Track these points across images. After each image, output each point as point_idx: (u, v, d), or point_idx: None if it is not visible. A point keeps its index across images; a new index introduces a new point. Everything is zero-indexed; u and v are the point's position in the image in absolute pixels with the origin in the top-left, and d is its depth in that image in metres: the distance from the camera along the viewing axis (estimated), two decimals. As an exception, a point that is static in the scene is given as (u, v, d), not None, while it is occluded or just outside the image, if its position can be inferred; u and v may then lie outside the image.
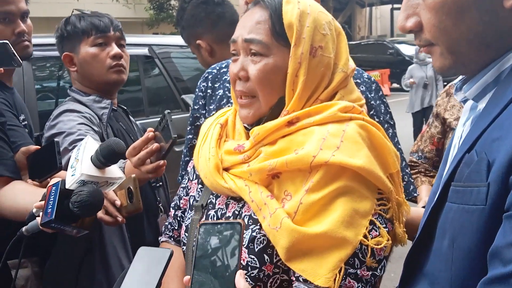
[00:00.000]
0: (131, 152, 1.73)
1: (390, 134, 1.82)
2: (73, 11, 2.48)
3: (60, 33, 2.42)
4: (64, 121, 2.20)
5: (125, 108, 2.64)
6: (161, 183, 2.49)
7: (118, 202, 1.74)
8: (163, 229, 1.72)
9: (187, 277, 1.14)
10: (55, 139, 1.93)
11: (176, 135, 1.65)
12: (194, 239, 1.21)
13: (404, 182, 1.85)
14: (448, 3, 1.00)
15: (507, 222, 0.88)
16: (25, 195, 1.83)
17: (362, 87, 1.81)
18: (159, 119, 1.74)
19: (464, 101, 1.14)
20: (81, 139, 1.77)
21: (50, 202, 1.44)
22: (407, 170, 1.93)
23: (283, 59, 1.39)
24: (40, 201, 1.54)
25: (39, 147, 2.03)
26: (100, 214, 1.73)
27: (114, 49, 2.38)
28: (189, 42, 2.76)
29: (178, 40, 5.78)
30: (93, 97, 2.37)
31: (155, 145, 1.70)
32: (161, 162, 1.74)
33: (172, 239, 1.68)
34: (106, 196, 1.71)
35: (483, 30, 1.00)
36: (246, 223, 1.37)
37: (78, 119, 2.21)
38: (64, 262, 2.16)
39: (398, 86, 21.48)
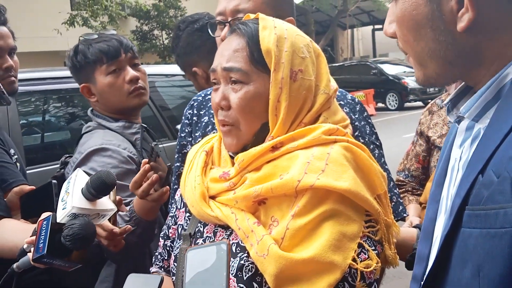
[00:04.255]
0: (134, 186, 1.80)
1: (377, 155, 1.82)
2: (79, 39, 2.40)
3: (72, 64, 2.35)
4: (97, 161, 2.11)
5: (146, 126, 2.56)
6: None
7: (116, 230, 1.74)
8: (153, 259, 1.71)
9: None
10: (53, 181, 1.91)
11: (170, 163, 1.69)
12: (183, 265, 1.20)
13: (393, 203, 1.84)
14: (407, 19, 1.02)
15: None
16: (15, 233, 1.81)
17: (346, 109, 1.81)
18: (149, 152, 1.79)
19: (458, 121, 1.11)
20: None
21: (42, 236, 1.43)
22: (395, 191, 1.92)
23: (264, 85, 1.39)
24: (31, 236, 1.53)
25: (34, 187, 2.01)
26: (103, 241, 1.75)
27: (130, 73, 2.31)
28: (184, 70, 2.76)
29: (162, 69, 5.81)
30: (122, 123, 2.31)
31: (155, 176, 1.78)
32: (164, 189, 1.83)
33: (162, 269, 1.66)
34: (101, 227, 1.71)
35: (441, 49, 1.01)
36: (234, 251, 1.35)
37: (113, 162, 2.12)
38: None
39: (383, 105, 21.66)
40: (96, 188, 1.49)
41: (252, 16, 1.51)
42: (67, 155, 2.37)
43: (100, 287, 2.14)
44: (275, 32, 1.41)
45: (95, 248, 1.85)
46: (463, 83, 1.12)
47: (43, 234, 1.44)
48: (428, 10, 0.99)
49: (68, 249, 1.44)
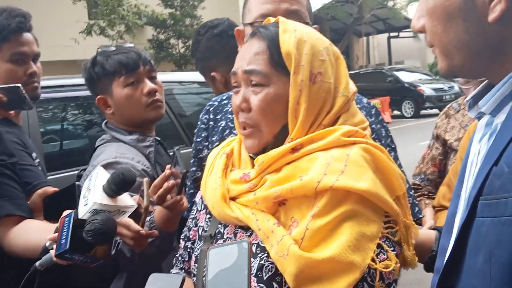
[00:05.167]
0: (153, 190, 1.77)
1: (392, 157, 1.83)
2: (97, 50, 2.38)
3: (89, 76, 2.34)
4: None
5: (160, 139, 2.54)
6: None
7: (143, 232, 1.72)
8: (174, 261, 1.72)
9: None
10: (76, 183, 1.93)
11: (185, 170, 1.69)
12: (205, 264, 1.22)
13: (409, 204, 1.86)
14: (438, 10, 1.05)
15: None
16: (38, 232, 1.84)
17: (362, 112, 1.82)
18: (172, 156, 1.79)
19: (478, 118, 1.15)
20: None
21: (64, 232, 1.46)
22: (411, 192, 1.95)
23: (284, 87, 1.41)
24: (53, 233, 1.55)
25: (57, 189, 2.04)
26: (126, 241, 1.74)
27: (148, 85, 2.29)
28: (204, 74, 2.77)
29: (179, 76, 5.85)
30: (136, 136, 2.30)
31: (171, 182, 1.74)
32: (178, 197, 1.78)
33: (183, 270, 1.67)
34: (123, 224, 1.71)
35: (471, 39, 1.04)
36: (254, 251, 1.37)
37: None
38: None
39: (399, 113, 21.57)
40: (117, 185, 1.51)
41: (272, 19, 1.53)
42: (83, 168, 2.36)
43: None
44: (295, 35, 1.43)
45: (107, 260, 1.86)
46: (486, 80, 1.14)
47: (65, 230, 1.46)
48: (460, 1, 1.03)
49: (90, 244, 1.46)
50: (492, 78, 1.09)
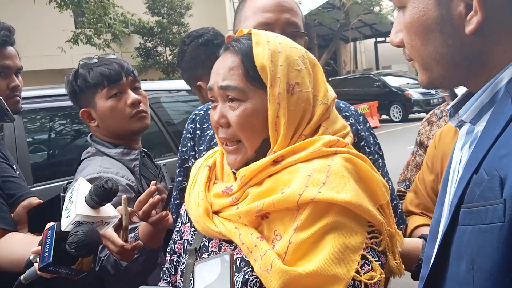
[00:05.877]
0: (138, 206, 1.77)
1: (381, 164, 1.84)
2: (79, 63, 2.36)
3: (72, 89, 2.32)
4: None
5: (146, 151, 2.52)
6: None
7: (127, 246, 1.72)
8: (161, 274, 1.71)
9: None
10: (61, 194, 1.92)
11: (171, 186, 1.69)
12: (191, 278, 1.22)
13: (399, 210, 1.86)
14: (416, 24, 1.06)
15: None
16: (22, 245, 1.83)
17: (351, 120, 1.83)
18: (158, 171, 1.79)
19: (459, 126, 1.16)
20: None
21: (47, 245, 1.45)
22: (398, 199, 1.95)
23: (261, 101, 1.39)
24: (37, 246, 1.55)
25: (41, 201, 2.03)
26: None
27: (131, 96, 2.28)
28: (190, 84, 2.78)
29: (166, 84, 5.84)
30: (121, 150, 2.28)
31: (156, 197, 1.74)
32: (164, 213, 1.78)
33: (170, 284, 1.65)
34: (108, 238, 1.71)
35: (449, 52, 1.05)
36: (238, 265, 1.35)
37: None
38: None
39: (387, 117, 21.64)
40: (99, 195, 1.50)
41: (245, 31, 1.51)
42: (68, 181, 2.35)
43: None
44: (269, 47, 1.41)
45: (92, 277, 1.86)
46: (467, 89, 1.15)
47: (48, 243, 1.45)
48: (437, 15, 1.04)
49: (73, 256, 1.45)
50: (472, 87, 1.11)
